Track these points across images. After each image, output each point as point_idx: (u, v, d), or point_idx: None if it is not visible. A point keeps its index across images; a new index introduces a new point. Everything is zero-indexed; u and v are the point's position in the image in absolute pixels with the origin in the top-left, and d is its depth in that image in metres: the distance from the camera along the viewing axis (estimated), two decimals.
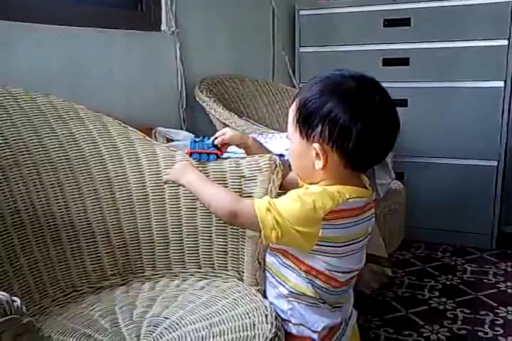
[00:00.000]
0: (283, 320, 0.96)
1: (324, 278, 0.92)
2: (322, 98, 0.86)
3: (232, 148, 1.16)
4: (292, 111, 0.92)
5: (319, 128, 0.86)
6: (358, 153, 0.87)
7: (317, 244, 0.87)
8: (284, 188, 1.03)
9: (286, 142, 1.45)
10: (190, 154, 1.14)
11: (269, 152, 1.13)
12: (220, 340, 0.89)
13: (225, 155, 1.14)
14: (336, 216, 0.86)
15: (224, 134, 1.10)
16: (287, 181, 1.06)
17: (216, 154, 1.12)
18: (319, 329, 0.94)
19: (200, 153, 1.13)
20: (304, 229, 0.85)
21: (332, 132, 0.85)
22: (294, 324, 0.96)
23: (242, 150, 1.13)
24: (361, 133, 0.84)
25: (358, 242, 0.93)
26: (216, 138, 1.10)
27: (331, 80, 0.88)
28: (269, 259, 1.00)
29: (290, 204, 0.87)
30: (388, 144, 0.90)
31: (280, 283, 0.97)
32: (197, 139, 1.13)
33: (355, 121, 0.84)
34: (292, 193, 0.89)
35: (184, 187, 1.09)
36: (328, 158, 0.87)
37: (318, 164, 0.88)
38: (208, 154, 1.12)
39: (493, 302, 1.86)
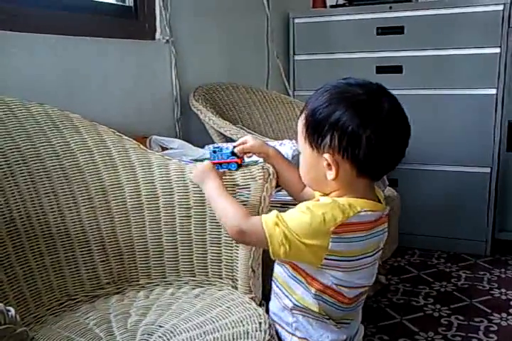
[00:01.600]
0: (288, 332, 0.96)
1: (331, 292, 0.90)
2: (329, 107, 0.85)
3: (252, 157, 1.16)
4: (301, 123, 0.91)
5: (328, 138, 0.85)
6: (369, 161, 0.85)
7: (326, 258, 0.85)
8: (299, 200, 1.01)
9: (292, 147, 1.47)
10: (214, 164, 1.13)
11: (289, 163, 1.12)
12: None
13: (245, 162, 1.14)
14: (346, 229, 0.84)
15: (245, 142, 1.10)
16: (306, 194, 1.04)
17: (236, 163, 1.11)
18: None
19: (220, 164, 1.12)
20: (313, 242, 0.83)
21: (342, 140, 0.84)
22: (299, 337, 0.94)
23: (261, 159, 1.13)
24: (371, 140, 0.83)
25: (368, 257, 0.91)
26: (235, 146, 1.10)
27: (338, 89, 0.88)
28: (277, 269, 0.97)
29: (299, 217, 0.85)
30: (400, 150, 0.89)
31: (286, 295, 0.95)
32: (216, 149, 1.12)
33: (365, 128, 0.83)
34: (302, 206, 0.87)
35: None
36: (339, 168, 0.86)
37: (330, 175, 0.87)
38: (228, 163, 1.12)
39: (487, 308, 1.87)
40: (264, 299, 1.08)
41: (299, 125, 0.92)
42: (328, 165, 0.87)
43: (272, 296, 1.00)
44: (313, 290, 0.90)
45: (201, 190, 1.17)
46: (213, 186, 1.03)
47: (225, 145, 1.15)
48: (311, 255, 0.85)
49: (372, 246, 0.91)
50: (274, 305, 1.00)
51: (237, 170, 1.13)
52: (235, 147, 1.10)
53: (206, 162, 1.09)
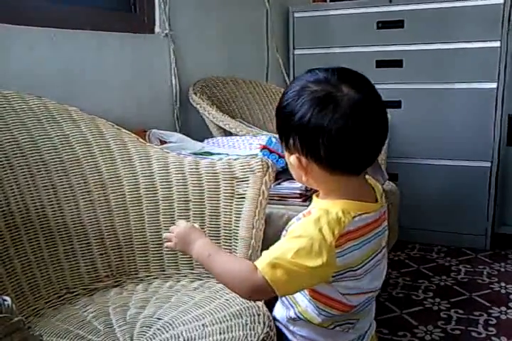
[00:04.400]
0: (292, 335, 0.93)
1: (337, 305, 0.86)
2: (288, 108, 0.81)
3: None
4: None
5: (291, 140, 0.81)
6: (337, 159, 0.80)
7: (333, 275, 0.81)
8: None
9: None
10: (263, 148, 1.12)
11: None
12: (213, 340, 0.89)
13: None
14: (345, 239, 0.80)
15: None
16: None
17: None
18: None
19: (271, 152, 1.11)
20: (319, 262, 0.77)
21: (302, 142, 0.80)
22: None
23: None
24: (332, 139, 0.77)
25: (372, 259, 0.87)
26: None
27: (297, 87, 0.82)
28: None
29: (297, 244, 0.78)
30: (373, 142, 0.82)
31: (291, 305, 0.91)
32: (277, 139, 1.11)
33: (323, 128, 0.77)
34: (295, 230, 0.81)
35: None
36: (308, 168, 0.82)
37: (303, 176, 0.84)
38: (280, 157, 1.10)
39: (486, 302, 1.87)
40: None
41: None
42: (298, 166, 0.83)
43: (278, 303, 0.96)
44: (317, 304, 0.86)
45: (201, 183, 1.18)
46: (201, 246, 0.90)
47: None
48: (319, 277, 0.81)
49: (374, 247, 0.87)
50: (278, 311, 0.96)
51: (281, 168, 1.09)
52: None
53: (182, 223, 0.97)
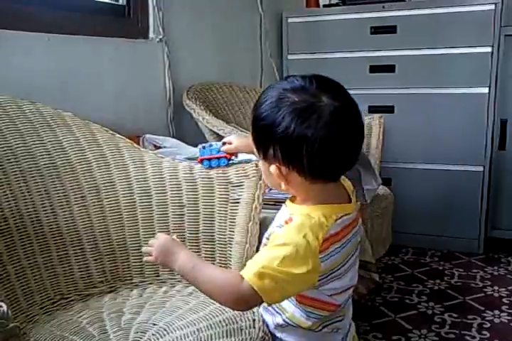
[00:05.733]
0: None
1: (324, 306, 0.87)
2: (267, 119, 0.79)
3: (244, 155, 1.15)
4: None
5: (271, 150, 0.81)
6: (317, 169, 0.80)
7: (319, 279, 0.82)
8: None
9: None
10: (201, 161, 1.14)
11: None
12: None
13: (238, 158, 1.14)
14: (327, 245, 0.81)
15: (230, 143, 1.09)
16: None
17: (226, 157, 1.12)
18: None
19: (210, 159, 1.13)
20: (305, 269, 0.78)
21: (283, 153, 0.79)
22: None
23: (254, 157, 1.10)
24: (313, 149, 0.77)
25: (352, 256, 0.89)
26: (224, 142, 1.09)
27: (275, 97, 0.80)
28: None
29: (282, 252, 0.78)
30: (352, 150, 0.83)
31: (277, 312, 0.91)
32: (205, 145, 1.13)
33: (304, 138, 0.77)
34: (278, 238, 0.81)
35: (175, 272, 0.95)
36: (288, 178, 0.82)
37: (283, 185, 0.84)
38: (218, 158, 1.12)
39: (480, 306, 1.88)
40: None
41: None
42: (278, 176, 0.82)
43: (263, 310, 0.96)
44: (305, 308, 0.87)
45: (195, 188, 1.18)
46: (184, 259, 0.87)
47: (214, 142, 1.14)
48: (307, 283, 0.81)
49: (352, 247, 0.88)
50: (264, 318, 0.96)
51: (227, 165, 1.13)
52: (224, 143, 1.10)
53: (162, 236, 0.93)
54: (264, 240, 0.88)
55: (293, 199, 0.89)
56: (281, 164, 0.81)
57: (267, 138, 0.80)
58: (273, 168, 0.82)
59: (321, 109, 0.78)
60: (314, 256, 0.79)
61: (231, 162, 1.14)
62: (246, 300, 0.80)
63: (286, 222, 0.84)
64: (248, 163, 1.13)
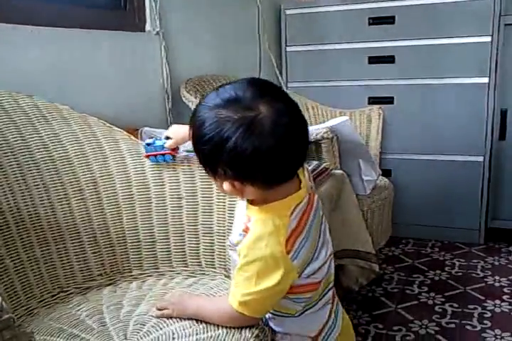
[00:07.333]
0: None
1: (308, 287, 0.89)
2: (211, 141, 0.78)
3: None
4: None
5: (220, 170, 0.80)
6: (271, 178, 0.81)
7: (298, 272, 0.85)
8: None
9: None
10: (148, 157, 1.15)
11: None
12: (206, 336, 0.89)
13: (183, 153, 1.16)
14: (291, 241, 0.83)
15: (170, 138, 1.11)
16: None
17: (170, 154, 1.14)
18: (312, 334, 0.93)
19: (155, 156, 1.14)
20: (278, 277, 0.81)
21: (233, 171, 0.79)
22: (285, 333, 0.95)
23: None
24: (263, 161, 0.77)
25: (320, 234, 0.90)
26: (168, 137, 1.12)
27: (210, 114, 0.79)
28: None
29: (253, 271, 0.82)
30: (301, 149, 0.83)
31: None
32: (149, 142, 1.15)
33: (250, 152, 0.76)
34: (245, 255, 0.84)
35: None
36: (244, 191, 0.82)
37: (239, 197, 0.85)
38: (163, 155, 1.14)
39: (481, 296, 1.88)
40: None
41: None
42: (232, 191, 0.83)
43: None
44: (289, 296, 0.88)
45: (193, 180, 1.18)
46: (197, 306, 0.96)
47: (158, 137, 1.16)
48: (288, 283, 0.84)
49: (317, 227, 0.89)
50: None
51: (173, 160, 1.15)
52: (168, 138, 1.12)
53: (177, 292, 1.07)
54: (236, 251, 0.89)
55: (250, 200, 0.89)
56: (233, 180, 0.81)
57: (215, 160, 0.80)
58: (226, 185, 0.82)
59: (261, 122, 0.76)
60: (284, 260, 0.82)
61: (180, 154, 1.16)
62: (246, 321, 0.88)
63: (245, 230, 0.87)
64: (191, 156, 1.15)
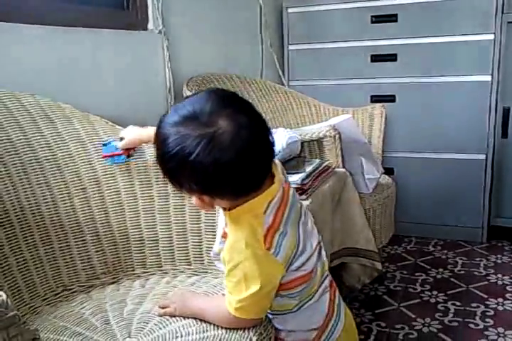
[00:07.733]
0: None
1: (299, 281, 0.90)
2: (175, 159, 0.78)
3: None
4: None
5: (186, 185, 0.81)
6: (239, 189, 0.81)
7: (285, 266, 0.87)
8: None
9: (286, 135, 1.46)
10: (105, 158, 1.18)
11: None
12: (209, 335, 0.89)
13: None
14: (269, 238, 0.84)
15: (123, 139, 1.13)
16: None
17: (124, 154, 1.17)
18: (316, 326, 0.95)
19: (112, 156, 1.16)
20: (265, 274, 0.84)
21: (200, 186, 0.80)
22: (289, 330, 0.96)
23: None
24: (229, 175, 0.78)
25: (301, 226, 0.90)
26: (122, 138, 1.15)
27: (172, 136, 0.78)
28: None
29: (240, 274, 0.84)
30: (267, 158, 0.84)
31: None
32: (105, 143, 1.17)
33: (214, 169, 0.76)
34: (228, 261, 0.85)
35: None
36: (214, 203, 0.84)
37: (210, 209, 0.88)
38: (119, 155, 1.16)
39: (483, 294, 1.88)
40: None
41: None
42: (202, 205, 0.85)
43: None
44: (282, 292, 0.90)
45: None
46: (198, 305, 0.96)
47: (113, 139, 1.20)
48: (277, 278, 0.86)
49: (295, 218, 0.89)
50: None
51: (128, 160, 1.17)
52: (122, 139, 1.15)
53: (179, 291, 1.07)
54: (220, 259, 0.90)
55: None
56: (201, 195, 0.83)
57: (180, 177, 0.81)
58: (195, 199, 0.85)
59: (221, 137, 0.76)
60: (267, 257, 0.83)
61: (133, 155, 1.19)
62: (247, 323, 0.89)
63: (223, 236, 0.90)
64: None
